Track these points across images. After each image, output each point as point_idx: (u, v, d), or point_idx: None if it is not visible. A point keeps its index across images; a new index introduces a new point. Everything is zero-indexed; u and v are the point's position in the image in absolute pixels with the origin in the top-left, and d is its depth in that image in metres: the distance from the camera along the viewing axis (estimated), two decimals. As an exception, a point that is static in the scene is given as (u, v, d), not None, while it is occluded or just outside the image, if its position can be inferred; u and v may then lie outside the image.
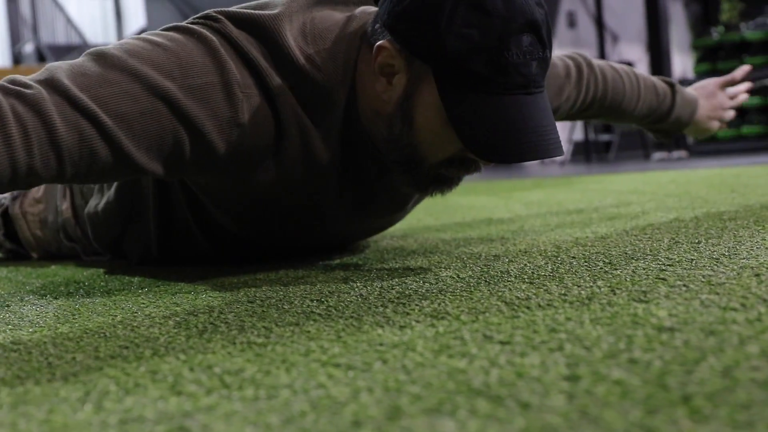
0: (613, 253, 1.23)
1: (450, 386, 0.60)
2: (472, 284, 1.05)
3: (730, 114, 1.85)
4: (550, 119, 1.10)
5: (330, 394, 0.61)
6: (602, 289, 0.93)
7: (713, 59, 7.44)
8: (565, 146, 8.53)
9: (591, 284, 0.97)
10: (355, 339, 0.78)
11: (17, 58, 10.82)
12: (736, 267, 1.01)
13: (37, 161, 0.99)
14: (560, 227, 1.69)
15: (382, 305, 0.95)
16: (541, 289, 0.96)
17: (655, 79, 1.76)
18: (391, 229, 1.90)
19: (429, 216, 2.28)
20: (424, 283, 1.09)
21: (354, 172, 1.26)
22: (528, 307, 0.86)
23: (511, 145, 1.07)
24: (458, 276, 1.12)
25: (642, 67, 10.23)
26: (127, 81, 1.05)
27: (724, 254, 1.12)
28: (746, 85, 1.85)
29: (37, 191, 1.91)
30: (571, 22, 10.48)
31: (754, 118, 7.17)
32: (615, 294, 0.90)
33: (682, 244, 1.26)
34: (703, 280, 0.94)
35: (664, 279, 0.97)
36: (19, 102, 0.98)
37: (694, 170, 3.99)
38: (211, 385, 0.66)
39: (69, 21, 9.81)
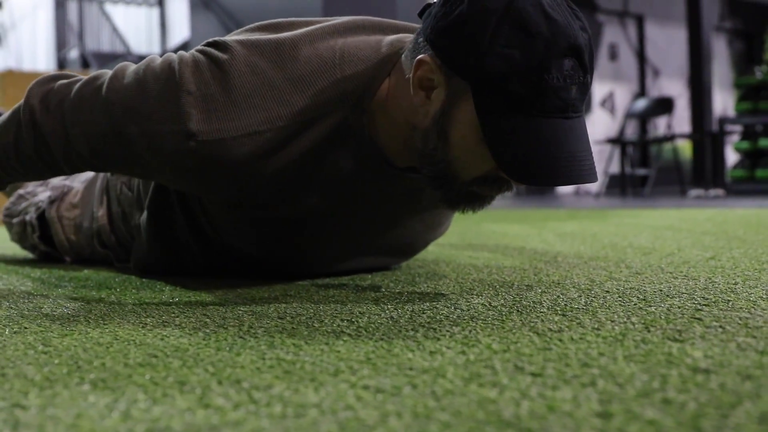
0: (648, 289, 1.21)
1: (480, 416, 0.59)
2: (504, 313, 1.04)
3: None
4: (586, 144, 1.09)
5: (358, 417, 0.60)
6: (636, 326, 0.92)
7: (755, 98, 7.37)
8: (600, 179, 8.49)
9: (625, 320, 0.96)
10: (385, 362, 0.77)
11: (62, 63, 10.97)
12: (774, 311, 0.99)
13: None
14: (594, 260, 1.67)
15: (412, 329, 0.94)
16: (574, 322, 0.95)
17: None
18: (424, 254, 1.89)
19: (462, 241, 2.27)
20: (455, 309, 1.08)
21: (366, 188, 1.28)
22: (560, 340, 0.85)
23: (544, 168, 1.06)
24: (490, 304, 1.11)
25: (683, 103, 10.17)
26: (103, 123, 1.25)
27: (761, 297, 1.11)
28: None
29: (75, 196, 1.93)
30: (613, 55, 10.45)
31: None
32: (649, 331, 0.89)
33: (719, 284, 1.25)
34: (740, 322, 0.92)
35: (699, 319, 0.95)
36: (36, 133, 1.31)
37: (731, 209, 3.94)
38: (239, 399, 0.66)
39: (115, 29, 9.96)
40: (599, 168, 8.99)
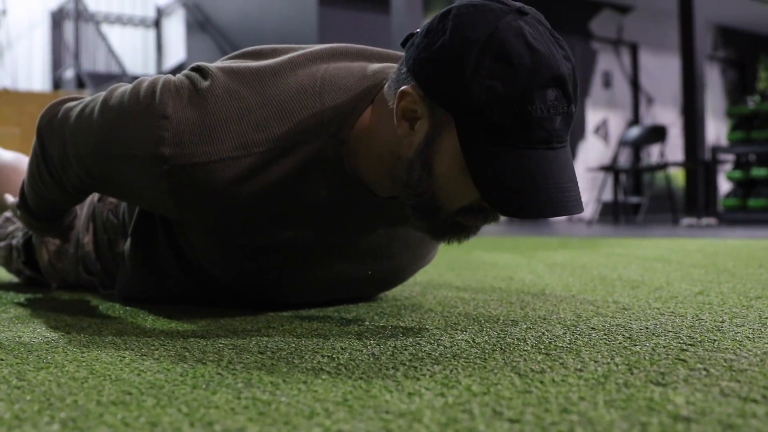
0: (634, 327, 1.20)
1: (453, 466, 0.58)
2: (486, 351, 1.02)
3: None
4: (571, 175, 1.08)
5: (329, 465, 0.59)
6: (619, 367, 0.91)
7: (748, 128, 7.40)
8: (593, 206, 8.49)
9: (608, 360, 0.95)
10: (362, 404, 0.76)
11: (57, 83, 10.98)
12: (759, 352, 0.98)
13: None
14: (582, 293, 1.66)
15: (393, 367, 0.93)
16: (557, 363, 0.94)
17: None
18: (411, 284, 1.88)
19: (450, 271, 2.26)
20: (438, 345, 1.07)
21: (343, 217, 1.27)
22: (542, 382, 0.84)
23: (529, 199, 1.04)
24: (474, 341, 1.10)
25: (676, 131, 10.20)
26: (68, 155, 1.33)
27: (747, 336, 1.10)
28: None
29: (61, 223, 1.92)
30: (607, 82, 10.49)
31: (763, 191, 7.13)
32: (632, 373, 0.88)
33: (706, 321, 1.24)
34: (724, 364, 0.91)
35: (684, 360, 0.94)
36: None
37: (722, 240, 3.94)
38: (209, 444, 0.64)
39: (111, 50, 9.96)
40: (592, 195, 9.01)
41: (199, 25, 10.10)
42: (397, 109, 1.12)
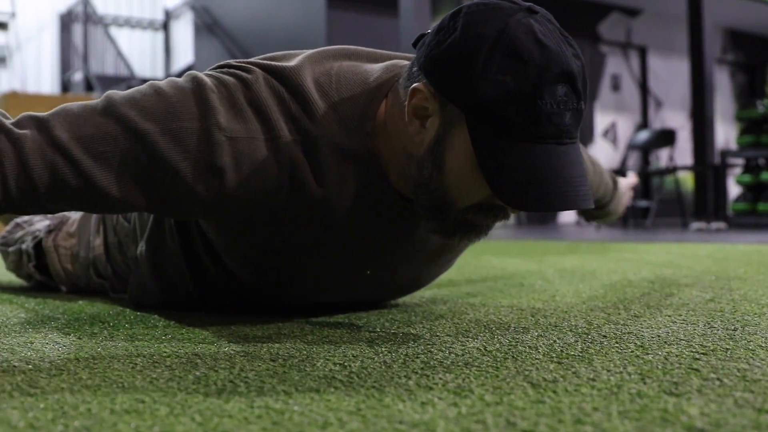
0: (646, 335, 1.20)
1: (469, 478, 0.58)
2: (498, 359, 1.02)
3: None
4: (581, 170, 1.08)
5: (344, 477, 0.59)
6: (632, 376, 0.91)
7: (757, 132, 7.38)
8: (602, 209, 8.46)
9: (621, 369, 0.95)
10: (375, 413, 0.76)
11: (66, 86, 11.01)
12: (772, 362, 0.98)
13: (12, 189, 1.10)
14: (592, 300, 1.66)
15: (405, 375, 0.93)
16: (570, 372, 0.94)
17: (606, 170, 1.90)
18: (422, 290, 1.88)
19: (460, 276, 2.26)
20: (449, 353, 1.07)
21: (371, 217, 1.26)
22: (554, 391, 0.84)
23: (539, 193, 1.05)
24: (485, 348, 1.10)
25: (685, 135, 10.18)
26: (111, 123, 1.13)
27: (760, 345, 1.09)
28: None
29: (72, 226, 1.92)
30: (615, 86, 10.48)
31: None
32: (645, 383, 0.87)
33: (718, 330, 1.23)
34: (738, 374, 0.91)
35: (697, 370, 0.94)
36: (4, 137, 1.10)
37: (733, 245, 3.93)
38: (224, 454, 0.64)
39: (119, 53, 9.99)
40: (601, 198, 8.97)
41: (207, 27, 10.12)
42: (408, 107, 1.13)
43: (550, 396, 0.82)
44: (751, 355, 1.03)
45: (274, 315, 1.44)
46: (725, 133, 11.39)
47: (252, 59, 1.27)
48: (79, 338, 1.24)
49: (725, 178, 7.73)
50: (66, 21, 11.04)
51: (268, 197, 1.20)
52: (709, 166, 7.59)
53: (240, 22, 9.56)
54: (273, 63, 1.23)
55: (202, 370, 0.97)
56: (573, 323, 1.33)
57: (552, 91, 1.05)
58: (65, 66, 11.10)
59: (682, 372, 0.93)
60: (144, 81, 7.72)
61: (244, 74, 1.20)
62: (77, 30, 10.68)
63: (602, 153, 10.19)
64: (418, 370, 0.96)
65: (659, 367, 0.96)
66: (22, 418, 0.76)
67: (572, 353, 1.06)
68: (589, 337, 1.19)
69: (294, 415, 0.76)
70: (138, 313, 1.51)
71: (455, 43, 1.08)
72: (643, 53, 10.81)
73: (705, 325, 1.28)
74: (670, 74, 10.96)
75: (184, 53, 11.54)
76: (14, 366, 1.02)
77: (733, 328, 1.25)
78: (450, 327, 1.30)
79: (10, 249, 2.05)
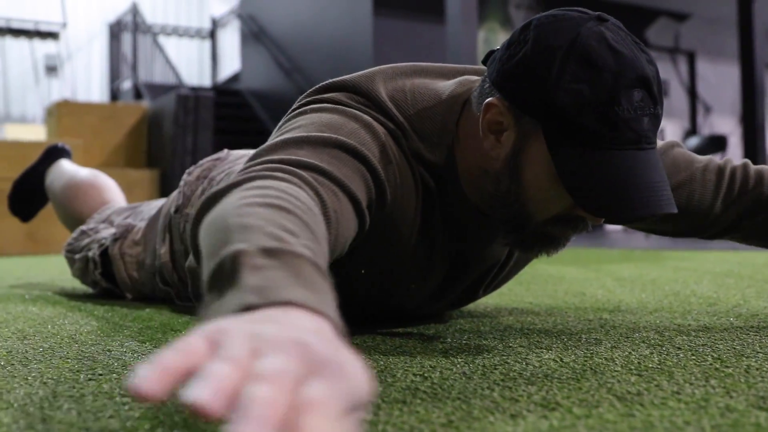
0: (721, 347, 1.19)
1: (575, 493, 0.58)
2: (577, 371, 1.02)
3: None
4: (661, 175, 1.08)
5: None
6: (717, 390, 0.90)
7: (810, 138, 7.26)
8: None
9: (704, 383, 0.94)
10: (467, 425, 0.77)
11: (115, 94, 11.19)
12: None
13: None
14: (658, 311, 1.65)
15: (488, 387, 0.93)
16: (652, 384, 0.94)
17: None
18: (483, 299, 1.88)
19: (519, 284, 2.26)
20: (527, 365, 1.07)
21: (451, 230, 1.27)
22: (642, 404, 0.84)
23: (622, 201, 1.05)
24: (561, 360, 1.10)
25: (735, 141, 10.05)
26: (331, 148, 1.07)
27: (841, 359, 1.08)
28: None
29: (137, 234, 1.96)
30: (664, 91, 10.38)
31: None
32: (732, 397, 0.87)
33: (794, 342, 1.22)
34: (825, 388, 0.90)
35: (782, 384, 0.93)
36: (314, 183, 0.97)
37: (788, 253, 3.87)
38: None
39: (167, 61, 10.13)
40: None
41: (253, 35, 10.21)
42: (482, 122, 1.13)
43: (638, 409, 0.82)
44: (833, 368, 1.01)
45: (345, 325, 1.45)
46: (776, 139, 11.21)
47: (326, 83, 1.25)
48: (155, 346, 1.27)
49: (777, 185, 7.60)
50: (115, 31, 11.22)
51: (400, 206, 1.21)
52: (760, 173, 7.48)
53: (286, 29, 9.63)
54: (349, 81, 1.24)
55: (285, 380, 0.98)
56: (644, 334, 1.32)
57: (629, 97, 1.05)
58: (114, 74, 11.28)
59: (766, 386, 0.92)
60: (192, 89, 7.81)
61: (338, 96, 1.20)
62: (126, 39, 10.84)
63: (650, 159, 10.08)
64: (500, 382, 0.96)
65: (742, 380, 0.95)
66: (121, 428, 0.78)
67: (650, 365, 1.05)
68: (664, 348, 1.18)
69: (387, 427, 0.76)
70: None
71: (527, 56, 1.08)
72: (691, 58, 10.70)
73: (780, 338, 1.26)
74: (720, 79, 10.83)
75: (231, 61, 11.67)
76: (100, 374, 1.05)
77: (809, 340, 1.23)
78: (521, 338, 1.30)
79: (77, 256, 2.09)
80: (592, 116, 1.04)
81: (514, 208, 1.14)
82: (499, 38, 8.79)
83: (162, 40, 11.33)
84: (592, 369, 1.04)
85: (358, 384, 0.48)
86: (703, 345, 1.21)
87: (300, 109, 1.20)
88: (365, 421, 0.79)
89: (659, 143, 1.38)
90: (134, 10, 10.50)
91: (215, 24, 12.15)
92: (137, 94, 10.20)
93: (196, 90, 7.77)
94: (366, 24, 8.04)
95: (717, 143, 7.75)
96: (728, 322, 1.44)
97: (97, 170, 2.50)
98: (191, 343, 0.48)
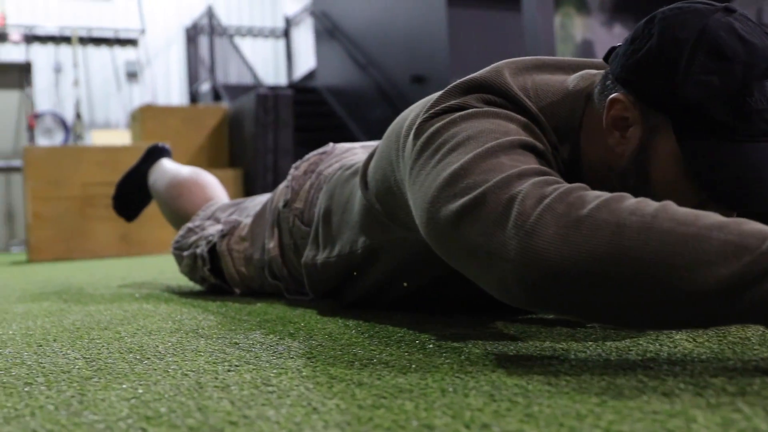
0: None
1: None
2: (715, 350, 1.01)
3: None
4: None
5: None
6: None
7: None
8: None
9: None
10: (624, 405, 0.76)
11: (194, 97, 11.40)
12: None
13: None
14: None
15: (629, 368, 0.93)
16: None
17: None
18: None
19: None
20: (661, 346, 1.06)
21: None
22: None
23: (758, 191, 1.02)
24: (695, 340, 1.09)
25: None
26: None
27: None
28: None
29: (243, 230, 1.99)
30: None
31: None
32: None
33: None
34: None
35: None
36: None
37: None
38: (494, 446, 0.66)
39: (244, 62, 10.27)
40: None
41: (327, 32, 10.28)
42: (606, 118, 1.11)
43: (795, 386, 0.81)
44: None
45: (434, 314, 1.46)
46: None
47: (458, 85, 1.20)
48: (280, 338, 1.29)
49: None
50: (192, 34, 11.42)
51: None
52: None
53: (360, 25, 9.67)
54: (481, 79, 1.19)
55: (426, 368, 1.00)
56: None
57: (761, 87, 1.02)
58: (192, 77, 11.49)
59: None
60: (269, 88, 7.91)
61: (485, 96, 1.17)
62: (203, 42, 11.03)
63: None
64: (639, 363, 0.95)
65: None
66: (277, 414, 0.80)
67: (791, 343, 1.03)
68: (798, 326, 1.16)
69: (543, 408, 0.77)
70: (320, 317, 1.56)
71: (653, 49, 1.06)
72: (774, 33, 10.39)
73: None
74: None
75: (306, 59, 11.77)
76: (236, 365, 1.07)
77: None
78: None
79: (185, 253, 2.14)
80: (723, 108, 1.02)
81: None
82: (575, 23, 8.67)
83: (237, 41, 11.49)
84: (730, 348, 1.02)
85: None
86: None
87: (443, 117, 1.15)
88: (513, 402, 0.79)
89: None
90: (210, 13, 10.68)
91: (289, 23, 12.26)
92: (216, 96, 10.37)
93: (274, 89, 7.85)
94: (440, 14, 8.01)
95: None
96: None
97: (198, 168, 2.55)
98: None
